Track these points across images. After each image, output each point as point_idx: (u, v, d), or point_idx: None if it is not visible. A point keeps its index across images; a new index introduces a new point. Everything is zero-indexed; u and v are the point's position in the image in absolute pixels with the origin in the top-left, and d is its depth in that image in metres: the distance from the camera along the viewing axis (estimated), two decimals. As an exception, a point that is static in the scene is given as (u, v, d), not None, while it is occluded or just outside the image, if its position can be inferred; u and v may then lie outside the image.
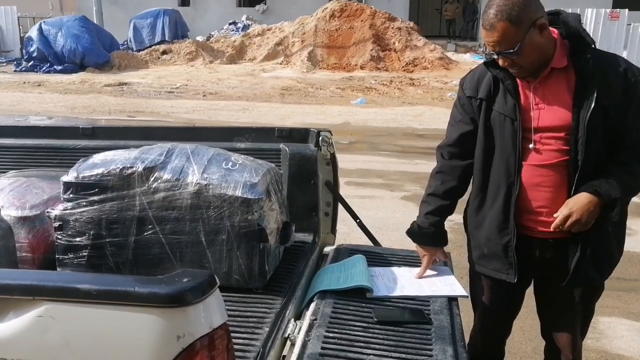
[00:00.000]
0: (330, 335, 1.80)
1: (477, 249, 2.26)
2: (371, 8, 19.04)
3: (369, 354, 1.71)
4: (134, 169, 2.01)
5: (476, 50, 20.91)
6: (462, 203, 2.34)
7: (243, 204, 1.98)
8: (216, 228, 2.00)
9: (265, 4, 24.85)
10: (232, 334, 1.33)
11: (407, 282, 2.20)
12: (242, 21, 22.11)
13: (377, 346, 1.75)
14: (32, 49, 17.70)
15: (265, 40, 19.45)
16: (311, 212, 2.61)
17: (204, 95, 13.47)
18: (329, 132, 2.60)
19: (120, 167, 2.02)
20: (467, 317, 2.26)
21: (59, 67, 17.10)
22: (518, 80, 2.05)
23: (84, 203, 2.03)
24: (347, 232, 3.40)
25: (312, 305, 2.01)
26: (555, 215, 2.00)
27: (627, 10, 17.54)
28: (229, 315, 1.34)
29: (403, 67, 17.18)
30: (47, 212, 2.08)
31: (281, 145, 2.61)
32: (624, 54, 14.17)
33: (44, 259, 2.11)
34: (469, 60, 18.86)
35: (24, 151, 2.77)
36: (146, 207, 2.01)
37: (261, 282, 2.07)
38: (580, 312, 2.21)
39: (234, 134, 2.70)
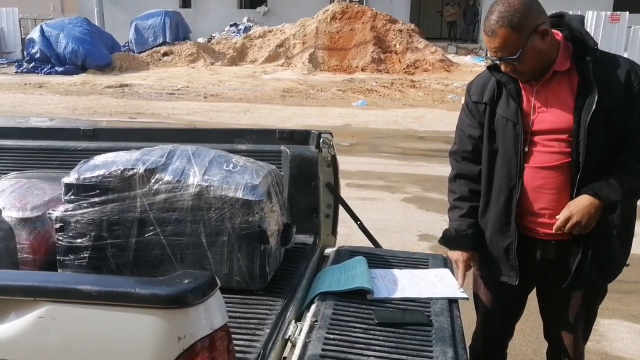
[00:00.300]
0: (331, 336, 1.80)
1: (481, 250, 2.26)
2: (372, 10, 19.06)
3: (370, 356, 1.71)
4: (135, 170, 2.01)
5: (477, 52, 20.94)
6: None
7: (244, 206, 1.98)
8: (217, 230, 2.00)
9: (266, 5, 24.88)
10: (233, 335, 1.34)
11: (407, 284, 2.20)
12: (243, 23, 22.14)
13: (377, 348, 1.75)
14: (34, 51, 17.73)
15: (266, 42, 19.48)
16: (312, 213, 2.61)
17: (204, 97, 13.49)
18: (330, 133, 2.61)
19: (121, 168, 2.02)
20: (467, 319, 2.26)
21: (60, 69, 17.14)
22: (521, 84, 2.05)
23: (85, 204, 2.03)
24: (347, 234, 3.40)
25: (313, 307, 2.00)
26: (556, 217, 2.01)
27: (627, 12, 17.58)
28: (230, 317, 1.34)
29: (404, 69, 17.19)
30: (48, 213, 2.08)
31: (282, 147, 2.61)
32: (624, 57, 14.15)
33: (45, 260, 2.11)
34: (470, 63, 18.89)
35: (25, 152, 2.77)
36: (147, 208, 2.01)
37: (262, 283, 2.07)
38: (583, 315, 2.20)
39: (235, 136, 2.70)
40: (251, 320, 1.88)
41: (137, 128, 3.05)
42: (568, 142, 2.00)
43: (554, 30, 1.99)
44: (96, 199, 2.03)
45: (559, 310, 2.22)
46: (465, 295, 2.16)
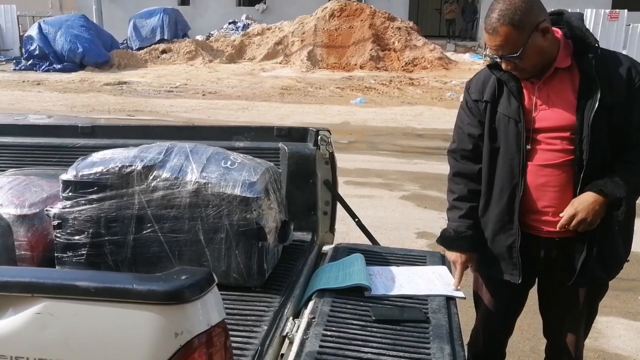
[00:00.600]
0: (329, 333, 1.80)
1: (481, 250, 2.26)
2: (371, 8, 19.04)
3: (367, 352, 1.72)
4: (133, 167, 2.02)
5: (476, 50, 20.92)
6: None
7: (242, 203, 1.98)
8: (215, 226, 2.00)
9: (264, 3, 24.83)
10: (231, 332, 1.34)
11: (405, 281, 2.20)
12: (242, 20, 22.11)
13: (375, 344, 1.76)
14: (32, 48, 17.71)
15: (264, 39, 19.46)
16: (310, 211, 2.62)
17: (203, 95, 13.48)
18: (328, 131, 2.61)
19: (119, 165, 2.02)
20: (465, 316, 2.27)
21: (59, 66, 17.12)
22: (522, 82, 2.05)
23: (83, 201, 2.04)
24: (345, 231, 3.40)
25: (311, 304, 2.01)
26: (560, 214, 2.00)
27: (626, 10, 17.58)
28: (228, 314, 1.35)
29: (402, 66, 17.19)
30: (46, 210, 2.08)
31: (280, 145, 2.61)
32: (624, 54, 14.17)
33: (42, 257, 2.11)
34: (469, 60, 18.88)
35: (23, 150, 2.77)
36: (145, 205, 2.01)
37: (260, 280, 2.08)
38: (585, 312, 2.20)
39: (233, 133, 2.71)
40: (249, 317, 1.88)
41: (135, 125, 3.06)
42: (571, 140, 1.99)
43: (553, 28, 1.98)
44: (94, 196, 2.03)
45: (561, 307, 2.22)
46: (462, 294, 2.17)
